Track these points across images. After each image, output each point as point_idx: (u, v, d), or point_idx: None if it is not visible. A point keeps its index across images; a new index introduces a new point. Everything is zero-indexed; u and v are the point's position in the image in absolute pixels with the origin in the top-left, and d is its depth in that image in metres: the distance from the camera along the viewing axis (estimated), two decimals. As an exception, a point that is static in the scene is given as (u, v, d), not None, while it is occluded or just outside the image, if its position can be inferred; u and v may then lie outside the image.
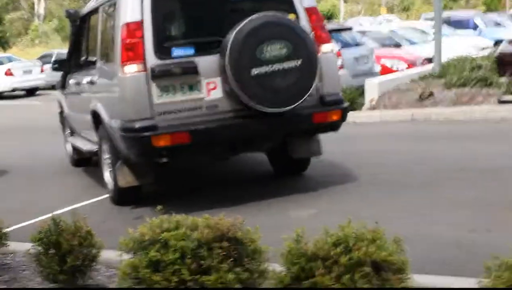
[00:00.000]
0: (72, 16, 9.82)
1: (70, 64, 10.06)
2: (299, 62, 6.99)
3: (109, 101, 7.61)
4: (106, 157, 7.97)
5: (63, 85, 10.47)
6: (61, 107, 11.03)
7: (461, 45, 19.43)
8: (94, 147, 8.57)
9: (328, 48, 7.56)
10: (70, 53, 10.15)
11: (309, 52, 7.07)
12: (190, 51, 7.16)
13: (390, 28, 22.60)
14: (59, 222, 4.71)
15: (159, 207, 4.20)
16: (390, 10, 60.93)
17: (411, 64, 17.37)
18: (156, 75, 6.95)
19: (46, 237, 4.65)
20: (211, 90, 7.12)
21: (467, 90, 13.08)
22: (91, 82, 8.44)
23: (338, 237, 3.71)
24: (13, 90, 27.82)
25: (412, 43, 20.32)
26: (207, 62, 7.10)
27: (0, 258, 5.55)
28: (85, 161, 10.26)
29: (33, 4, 66.58)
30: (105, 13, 8.17)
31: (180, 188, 8.66)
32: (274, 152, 8.36)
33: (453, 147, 9.49)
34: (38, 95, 27.92)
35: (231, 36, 6.86)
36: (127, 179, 7.43)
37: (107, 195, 8.32)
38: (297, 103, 7.06)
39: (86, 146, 9.10)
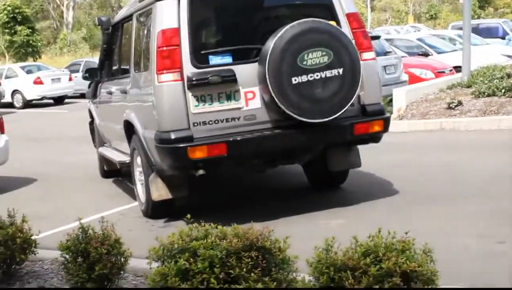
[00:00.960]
0: (103, 24, 9.51)
1: (102, 73, 9.85)
2: (341, 70, 6.73)
3: (143, 111, 7.37)
4: (138, 169, 7.79)
5: (94, 94, 10.19)
6: (91, 116, 10.82)
7: (490, 54, 19.28)
8: (126, 159, 8.39)
9: (369, 56, 7.28)
10: (101, 61, 9.92)
11: (352, 60, 6.81)
12: (228, 59, 6.91)
13: (418, 36, 22.48)
14: (87, 230, 4.73)
15: (188, 216, 4.19)
16: (418, 18, 60.70)
17: (439, 73, 17.26)
18: (193, 84, 6.70)
19: (74, 245, 4.67)
20: (249, 100, 6.87)
21: (496, 99, 12.96)
22: (124, 92, 8.24)
23: (368, 247, 3.69)
24: (42, 98, 28.05)
25: (440, 51, 20.20)
26: (245, 71, 6.85)
27: (28, 266, 5.58)
28: (114, 173, 10.18)
29: (62, 13, 67.32)
30: (139, 20, 7.93)
31: (207, 197, 8.66)
32: (311, 165, 8.06)
33: (482, 157, 9.39)
34: (66, 103, 28.13)
35: (271, 43, 6.61)
36: (160, 192, 7.20)
37: (134, 204, 8.35)
38: (339, 114, 6.80)
39: (118, 157, 8.90)
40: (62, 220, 7.67)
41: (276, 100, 6.60)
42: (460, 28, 19.26)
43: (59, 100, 28.50)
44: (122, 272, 4.79)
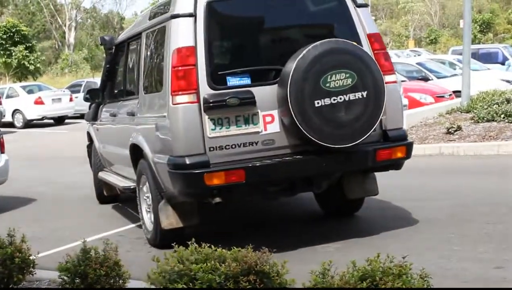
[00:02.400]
0: (107, 44, 9.18)
1: (104, 95, 9.46)
2: (365, 93, 6.38)
3: (153, 134, 6.92)
4: (145, 195, 7.43)
5: (94, 116, 9.77)
6: (90, 139, 10.41)
7: (490, 79, 19.36)
8: (131, 184, 8.04)
9: (391, 79, 6.91)
10: (103, 82, 9.50)
11: (376, 82, 6.46)
12: (246, 80, 6.55)
13: (418, 61, 22.57)
14: (89, 251, 4.73)
15: (192, 239, 4.19)
16: (418, 43, 60.96)
17: (439, 98, 17.31)
18: (210, 106, 6.33)
19: (73, 266, 4.67)
20: (268, 124, 6.51)
21: (495, 124, 13.01)
22: (131, 114, 7.80)
23: (365, 271, 3.70)
24: (42, 118, 28.12)
25: (440, 76, 20.28)
26: (264, 93, 6.50)
27: (25, 286, 5.57)
28: (112, 198, 9.96)
29: (64, 33, 67.59)
30: (150, 39, 7.49)
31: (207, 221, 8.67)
32: (325, 192, 7.54)
33: (481, 181, 9.41)
34: (67, 124, 28.19)
35: (293, 63, 6.27)
36: (170, 220, 6.83)
37: (131, 225, 8.36)
38: (361, 139, 6.44)
39: (121, 182, 8.49)
40: (60, 241, 7.69)
41: (298, 124, 6.26)
42: (460, 53, 19.34)
43: (59, 120, 28.57)
44: (120, 294, 4.79)
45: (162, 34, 6.88)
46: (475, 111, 14.04)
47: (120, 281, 4.72)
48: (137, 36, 8.02)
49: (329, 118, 6.32)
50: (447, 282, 5.13)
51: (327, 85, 6.28)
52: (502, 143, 11.93)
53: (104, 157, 9.67)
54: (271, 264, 3.82)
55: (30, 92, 29.21)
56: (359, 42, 6.79)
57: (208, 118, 6.36)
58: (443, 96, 17.51)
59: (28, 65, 45.10)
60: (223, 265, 3.77)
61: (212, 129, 6.36)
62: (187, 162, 6.29)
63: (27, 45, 45.71)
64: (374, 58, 6.65)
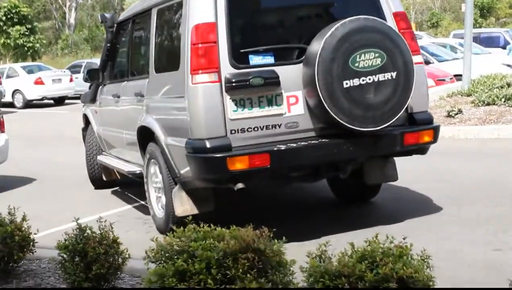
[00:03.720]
0: (108, 21, 8.74)
1: (104, 75, 9.00)
2: (395, 74, 6.09)
3: (167, 116, 6.63)
4: (155, 180, 7.06)
5: (93, 98, 9.35)
6: (87, 122, 9.90)
7: (491, 63, 19.33)
8: (137, 169, 7.64)
9: (418, 59, 6.59)
10: (104, 62, 9.01)
11: (405, 63, 6.17)
12: (270, 59, 6.20)
13: (419, 44, 22.48)
14: (85, 230, 4.74)
15: (189, 217, 4.19)
16: (419, 26, 60.75)
17: (439, 81, 17.28)
18: (233, 86, 5.96)
19: (72, 244, 4.68)
20: (292, 105, 6.17)
21: (495, 108, 13.00)
22: (140, 95, 7.34)
23: (364, 252, 3.69)
24: (42, 98, 28.10)
25: (441, 60, 20.23)
26: (288, 73, 6.14)
27: (26, 264, 5.59)
28: (109, 183, 9.60)
29: (64, 14, 67.36)
30: (163, 15, 7.06)
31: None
32: (340, 178, 7.00)
33: (481, 165, 9.41)
34: (67, 104, 28.17)
35: (321, 42, 5.93)
36: (185, 206, 6.45)
37: (131, 205, 8.37)
38: (391, 122, 6.16)
39: (125, 167, 8.05)
40: (59, 220, 7.69)
41: (326, 105, 5.94)
42: (462, 37, 19.30)
43: (59, 101, 28.55)
44: (119, 272, 4.80)
45: (179, 10, 6.51)
46: (476, 94, 14.03)
47: (120, 259, 4.72)
48: (145, 13, 7.55)
49: (358, 99, 6.01)
50: (447, 264, 5.14)
51: (356, 65, 5.98)
52: (503, 127, 11.92)
53: (104, 140, 9.25)
54: (269, 243, 3.82)
55: (30, 72, 29.19)
56: (385, 20, 6.48)
57: (230, 98, 5.99)
58: (444, 80, 17.50)
59: (26, 45, 44.83)
60: (221, 243, 3.77)
61: (234, 111, 6.00)
62: (208, 145, 5.92)
63: (28, 26, 45.48)
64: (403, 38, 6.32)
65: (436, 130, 6.66)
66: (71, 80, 28.55)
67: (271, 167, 5.94)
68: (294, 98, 6.19)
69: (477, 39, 24.31)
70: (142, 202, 8.30)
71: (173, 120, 6.48)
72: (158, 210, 7.06)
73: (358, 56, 5.98)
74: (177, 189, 6.51)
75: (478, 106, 13.30)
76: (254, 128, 6.07)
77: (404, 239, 3.84)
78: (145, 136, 7.14)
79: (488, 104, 13.25)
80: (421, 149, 6.70)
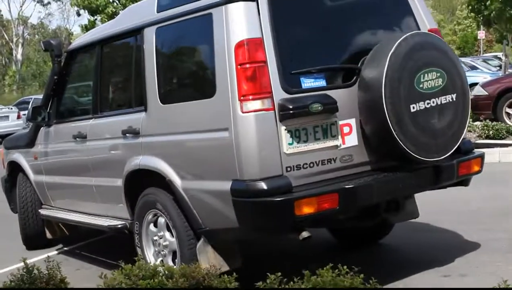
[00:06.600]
0: (54, 49, 7.45)
1: (49, 114, 7.58)
2: (454, 96, 5.42)
3: (189, 155, 5.49)
4: (155, 236, 5.89)
5: (31, 141, 7.95)
6: (11, 171, 8.59)
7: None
8: (118, 223, 6.43)
9: None
10: (49, 98, 7.62)
11: (462, 84, 5.53)
12: (321, 82, 5.29)
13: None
14: (32, 270, 4.65)
15: (139, 255, 4.14)
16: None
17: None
18: (289, 115, 4.98)
19: (18, 286, 4.58)
20: (346, 136, 5.29)
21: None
22: (131, 132, 6.06)
23: (316, 283, 3.70)
24: (-12, 136, 27.72)
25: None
26: (340, 97, 5.23)
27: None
28: (45, 244, 8.27)
29: (11, 49, 66.74)
30: (169, 33, 5.85)
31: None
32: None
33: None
34: (15, 141, 27.79)
35: (386, 60, 5.13)
36: (212, 263, 5.22)
37: (81, 243, 8.23)
38: (452, 150, 5.47)
39: (99, 221, 6.76)
40: (3, 262, 7.51)
41: (394, 133, 5.12)
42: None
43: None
44: (67, 312, 4.71)
45: (202, 25, 5.39)
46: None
47: (67, 300, 4.64)
48: (128, 34, 6.39)
49: (424, 125, 5.27)
50: None
51: (420, 86, 5.25)
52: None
53: (49, 191, 7.85)
54: (219, 280, 3.80)
55: (-24, 109, 28.82)
56: None
57: (285, 129, 5.01)
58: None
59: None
60: (170, 280, 3.73)
61: (290, 144, 5.03)
62: (266, 186, 4.87)
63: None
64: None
65: (483, 158, 6.01)
66: (18, 116, 28.26)
67: (339, 209, 5.04)
68: (347, 127, 5.32)
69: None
70: (91, 240, 8.19)
71: (201, 159, 5.36)
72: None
73: (422, 76, 5.26)
74: (201, 244, 5.43)
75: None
76: (310, 164, 5.13)
77: (353, 268, 3.84)
78: (139, 182, 6.03)
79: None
80: (466, 181, 6.01)
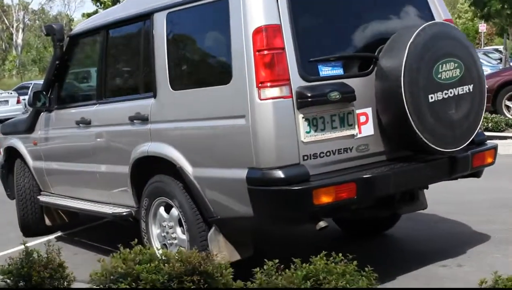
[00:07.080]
0: (56, 33, 7.34)
1: (50, 99, 7.45)
2: (471, 87, 5.42)
3: (202, 142, 5.40)
4: (163, 224, 5.82)
5: (30, 126, 7.85)
6: (9, 156, 8.48)
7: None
8: (123, 210, 6.34)
9: None
10: (51, 83, 7.49)
11: (479, 74, 5.53)
12: (339, 70, 5.24)
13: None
14: (32, 254, 4.68)
15: (136, 240, 4.18)
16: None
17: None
18: (308, 102, 4.94)
19: (16, 269, 4.61)
20: (362, 125, 5.25)
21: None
22: (139, 118, 5.97)
23: (309, 270, 3.73)
24: (-12, 120, 27.77)
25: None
26: (357, 86, 5.20)
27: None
28: (44, 231, 8.20)
29: (11, 35, 66.62)
30: (180, 19, 5.76)
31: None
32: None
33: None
34: (14, 126, 27.81)
35: (405, 49, 5.11)
36: (223, 253, 5.25)
37: (80, 228, 8.25)
38: (468, 141, 5.47)
39: (104, 209, 6.65)
40: (3, 244, 7.56)
41: (412, 123, 5.10)
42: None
43: (6, 123, 28.18)
44: (64, 296, 4.75)
45: (218, 11, 5.29)
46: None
47: (65, 283, 4.67)
48: (137, 19, 6.24)
49: (441, 116, 5.26)
50: (392, 282, 5.19)
51: (439, 76, 5.23)
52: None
53: (49, 177, 7.77)
54: (215, 265, 3.83)
55: (-25, 94, 28.85)
56: None
57: (303, 117, 4.95)
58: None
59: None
60: (167, 265, 3.77)
61: (307, 132, 4.97)
62: (282, 175, 4.82)
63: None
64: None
65: (496, 150, 6.04)
66: (18, 101, 28.30)
67: (357, 199, 5.00)
68: (364, 116, 5.28)
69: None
70: (92, 224, 8.23)
71: (215, 146, 5.29)
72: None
73: (440, 66, 5.23)
74: (213, 232, 5.37)
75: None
76: (326, 153, 5.07)
77: (348, 255, 3.87)
78: (147, 168, 5.95)
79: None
80: (479, 173, 6.01)
